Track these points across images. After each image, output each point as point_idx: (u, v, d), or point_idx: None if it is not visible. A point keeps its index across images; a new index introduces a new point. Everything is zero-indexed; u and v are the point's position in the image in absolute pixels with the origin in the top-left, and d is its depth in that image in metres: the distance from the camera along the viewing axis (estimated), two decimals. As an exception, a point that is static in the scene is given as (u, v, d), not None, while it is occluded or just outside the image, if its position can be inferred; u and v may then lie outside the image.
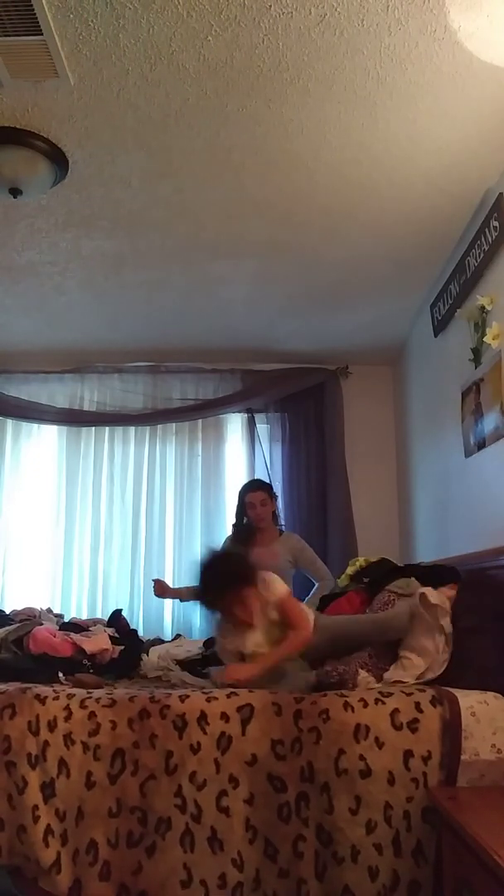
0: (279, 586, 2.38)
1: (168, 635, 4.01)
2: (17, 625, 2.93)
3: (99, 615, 3.95)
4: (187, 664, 2.85)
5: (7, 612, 3.44)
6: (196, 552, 4.30)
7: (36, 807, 1.94)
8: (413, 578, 2.57)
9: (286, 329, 4.14)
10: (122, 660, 2.86)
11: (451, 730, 1.97)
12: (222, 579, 2.35)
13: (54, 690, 2.15)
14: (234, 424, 4.61)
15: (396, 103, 2.29)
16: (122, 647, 2.94)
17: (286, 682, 2.26)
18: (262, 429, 4.54)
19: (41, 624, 2.98)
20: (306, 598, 3.37)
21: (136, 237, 3.12)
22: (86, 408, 4.54)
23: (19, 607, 3.55)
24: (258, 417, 4.54)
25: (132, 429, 4.57)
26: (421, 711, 2.00)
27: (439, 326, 3.49)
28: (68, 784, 1.97)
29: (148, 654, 3.03)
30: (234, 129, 2.41)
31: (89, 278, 3.49)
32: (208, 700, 2.05)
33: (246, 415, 4.54)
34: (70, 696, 2.10)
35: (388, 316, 3.95)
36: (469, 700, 2.04)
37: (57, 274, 3.44)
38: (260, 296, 3.71)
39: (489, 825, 1.62)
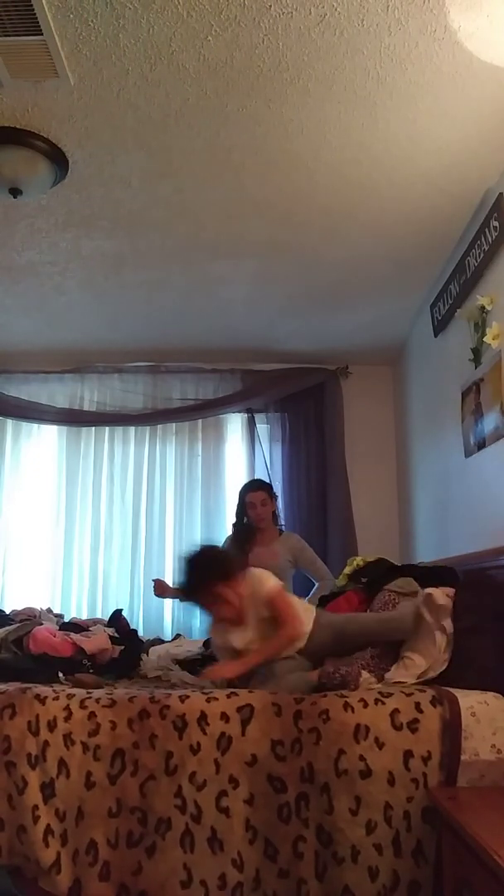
0: (269, 582, 2.37)
1: (168, 635, 4.01)
2: (17, 625, 2.93)
3: (99, 615, 3.95)
4: (187, 664, 2.85)
5: (7, 612, 3.44)
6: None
7: (36, 807, 1.94)
8: (411, 578, 2.58)
9: (286, 329, 4.14)
10: (122, 660, 2.86)
11: (451, 730, 1.97)
12: (199, 574, 2.36)
13: (54, 690, 2.15)
14: (234, 424, 4.61)
15: (396, 103, 2.29)
16: (122, 647, 2.94)
17: (275, 682, 2.25)
18: (262, 429, 4.55)
19: (41, 624, 2.98)
20: (306, 599, 3.37)
21: (136, 237, 3.12)
22: (86, 408, 4.54)
23: (19, 607, 3.55)
24: (258, 417, 4.54)
25: (132, 429, 4.57)
26: (421, 711, 2.00)
27: (439, 326, 3.48)
28: (68, 784, 1.97)
29: (148, 654, 3.03)
30: (234, 129, 2.41)
31: (89, 278, 3.49)
32: (208, 700, 2.05)
33: (246, 415, 4.55)
34: (70, 697, 2.10)
35: (388, 316, 3.95)
36: (469, 700, 2.04)
37: (57, 274, 3.44)
38: (260, 296, 3.71)
39: (489, 825, 1.61)
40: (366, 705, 2.01)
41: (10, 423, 4.56)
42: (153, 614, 4.22)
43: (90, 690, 2.22)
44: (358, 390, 4.56)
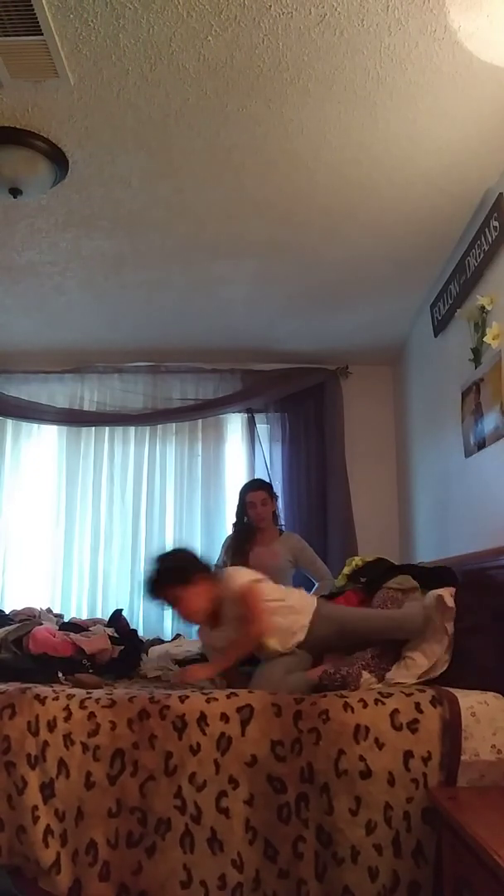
0: (238, 580, 2.36)
1: (168, 635, 4.01)
2: (17, 625, 2.93)
3: (99, 615, 3.95)
4: (187, 664, 2.84)
5: (7, 612, 3.43)
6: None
7: (35, 807, 1.94)
8: (409, 576, 2.58)
9: (286, 329, 4.13)
10: (122, 660, 2.86)
11: (451, 730, 1.97)
12: (158, 578, 2.39)
13: (54, 691, 2.15)
14: (234, 424, 4.61)
15: (396, 103, 2.29)
16: (122, 647, 2.94)
17: (275, 681, 2.26)
18: (262, 429, 4.54)
19: (41, 624, 2.97)
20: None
21: (136, 237, 3.12)
22: (86, 408, 4.54)
23: (19, 607, 3.55)
24: (258, 417, 4.54)
25: (132, 429, 4.57)
26: (421, 712, 2.00)
27: (439, 326, 3.48)
28: (68, 784, 1.97)
29: (148, 654, 3.03)
30: (234, 129, 2.41)
31: (89, 278, 3.49)
32: (208, 701, 2.05)
33: (246, 415, 4.54)
34: (70, 697, 2.10)
35: (388, 316, 3.95)
36: (469, 700, 2.04)
37: (57, 274, 3.44)
38: (260, 296, 3.71)
39: (489, 825, 1.61)
40: (366, 705, 2.01)
41: (10, 423, 4.56)
42: (153, 614, 4.22)
43: (90, 690, 2.22)
44: (358, 390, 4.56)
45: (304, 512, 4.37)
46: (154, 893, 1.88)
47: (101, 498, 4.45)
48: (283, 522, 3.97)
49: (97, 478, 4.48)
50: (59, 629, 3.02)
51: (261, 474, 4.33)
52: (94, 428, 4.56)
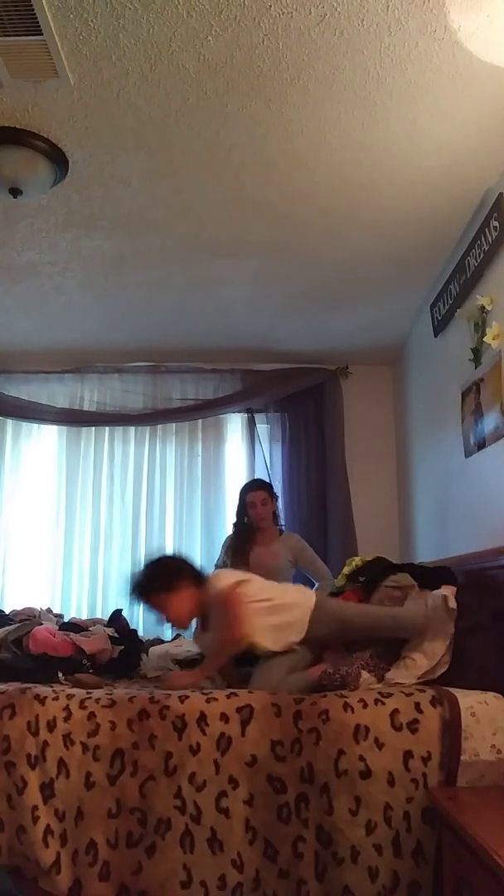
0: (219, 583, 2.34)
1: (168, 635, 4.00)
2: (17, 625, 2.93)
3: (99, 615, 3.95)
4: (187, 664, 2.85)
5: (7, 612, 3.43)
6: (195, 550, 4.34)
7: (35, 807, 1.94)
8: (407, 574, 2.58)
9: (286, 329, 4.13)
10: (122, 660, 2.86)
11: (451, 730, 1.97)
12: (141, 585, 2.41)
13: (54, 691, 2.15)
14: (234, 424, 4.61)
15: (396, 103, 2.29)
16: (122, 648, 2.94)
17: (275, 681, 2.26)
18: (262, 429, 4.54)
19: (41, 624, 2.97)
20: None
21: (136, 237, 3.12)
22: (86, 408, 4.54)
23: (19, 607, 3.54)
24: (258, 417, 4.54)
25: (132, 429, 4.57)
26: (421, 712, 2.00)
27: (439, 326, 3.48)
28: (68, 784, 1.97)
29: (147, 654, 3.03)
30: (234, 129, 2.41)
31: (89, 278, 3.49)
32: (208, 701, 2.05)
33: (246, 415, 4.54)
34: (70, 697, 2.10)
35: (388, 316, 3.95)
36: (469, 700, 2.04)
37: (57, 274, 3.44)
38: (260, 296, 3.71)
39: (489, 825, 1.61)
40: (365, 706, 2.01)
41: (10, 423, 4.56)
42: (153, 614, 4.21)
43: (90, 691, 2.22)
44: (358, 390, 4.56)
45: (304, 512, 4.37)
46: (154, 893, 1.88)
47: (101, 498, 4.45)
48: (283, 522, 3.97)
49: (97, 478, 4.48)
50: (59, 629, 3.01)
51: (261, 474, 4.33)
52: (94, 428, 4.56)
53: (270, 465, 4.47)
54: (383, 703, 2.02)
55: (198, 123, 2.38)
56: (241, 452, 4.52)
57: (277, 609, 2.37)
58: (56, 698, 2.08)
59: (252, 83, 2.20)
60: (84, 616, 3.96)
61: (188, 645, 3.17)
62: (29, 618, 3.22)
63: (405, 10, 1.93)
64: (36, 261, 3.31)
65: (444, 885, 1.82)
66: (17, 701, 2.06)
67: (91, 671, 2.65)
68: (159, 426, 4.55)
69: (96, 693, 2.17)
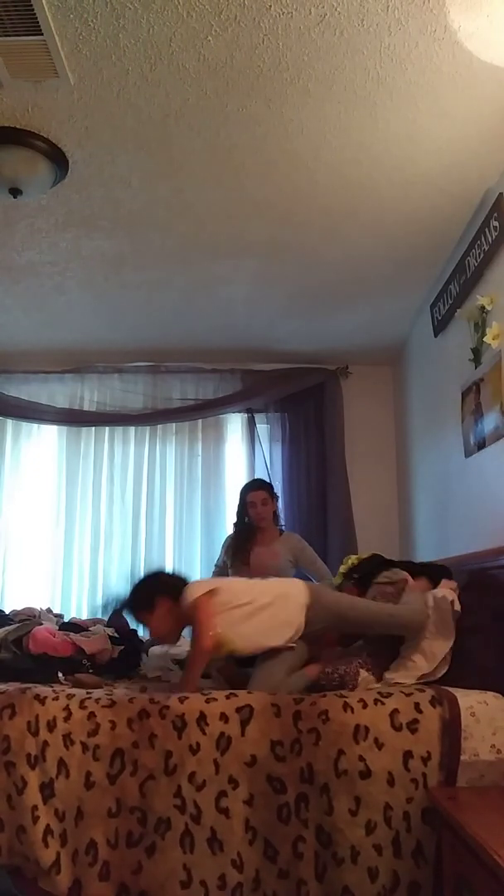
0: (189, 596, 2.32)
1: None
2: (17, 625, 2.93)
3: (99, 615, 3.94)
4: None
5: (7, 612, 3.43)
6: (195, 550, 4.37)
7: (35, 807, 1.94)
8: (398, 569, 2.58)
9: (286, 329, 4.13)
10: (122, 660, 2.86)
11: (451, 730, 1.97)
12: (127, 606, 2.50)
13: (54, 691, 2.15)
14: (234, 424, 4.61)
15: (396, 103, 2.29)
16: (122, 647, 2.94)
17: (274, 680, 2.26)
18: (262, 429, 4.54)
19: (41, 624, 2.97)
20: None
21: (136, 237, 3.12)
22: (86, 408, 4.54)
23: (19, 607, 3.54)
24: (258, 417, 4.54)
25: (132, 429, 4.57)
26: (420, 712, 2.00)
27: (439, 326, 3.48)
28: (68, 784, 1.97)
29: (147, 654, 3.03)
30: (234, 129, 2.41)
31: (89, 278, 3.49)
32: (207, 701, 2.05)
33: (246, 415, 4.54)
34: (69, 697, 2.10)
35: (388, 316, 3.95)
36: (469, 700, 2.04)
37: (57, 274, 3.44)
38: (260, 296, 3.71)
39: (489, 825, 1.61)
40: (365, 706, 2.01)
41: (10, 423, 4.56)
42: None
43: (90, 690, 2.22)
44: (358, 390, 4.56)
45: (304, 512, 4.37)
46: (154, 893, 1.89)
47: (101, 498, 4.45)
48: (283, 523, 3.97)
49: (97, 478, 4.48)
50: (59, 629, 3.01)
51: (261, 474, 4.33)
52: (94, 428, 4.56)
53: (270, 465, 4.47)
54: (383, 703, 2.02)
55: (198, 123, 2.38)
56: (241, 452, 4.52)
57: (260, 610, 2.34)
58: (56, 698, 2.08)
59: (252, 83, 2.20)
60: (84, 616, 3.95)
61: (187, 645, 3.17)
62: (29, 618, 3.21)
63: (405, 10, 1.93)
64: (36, 261, 3.31)
65: (444, 885, 1.82)
66: (17, 701, 2.06)
67: (91, 671, 2.65)
68: (159, 426, 4.55)
69: (96, 693, 2.17)
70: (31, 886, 1.91)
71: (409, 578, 2.52)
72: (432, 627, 2.31)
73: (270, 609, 2.35)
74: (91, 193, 2.78)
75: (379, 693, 2.08)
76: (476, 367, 2.89)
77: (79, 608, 4.26)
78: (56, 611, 3.89)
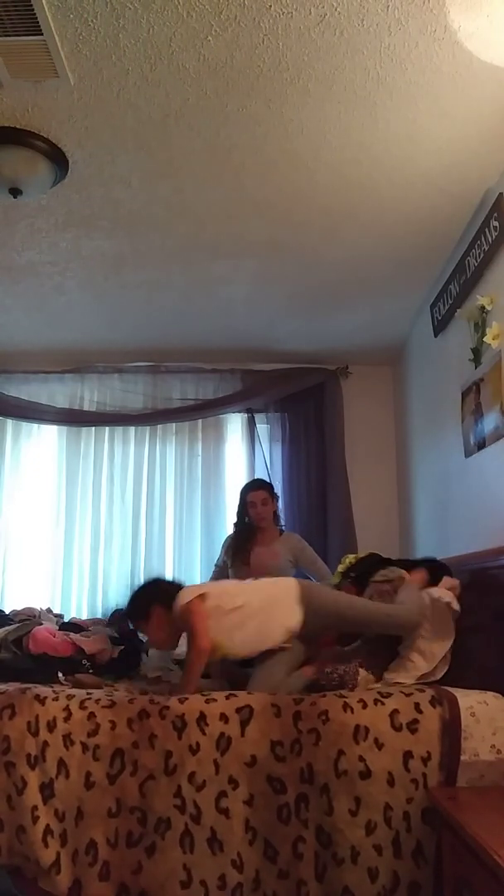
0: (183, 599, 2.33)
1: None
2: (17, 625, 2.93)
3: (99, 615, 3.95)
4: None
5: (7, 612, 3.43)
6: (195, 550, 4.37)
7: (35, 807, 1.94)
8: (394, 567, 2.58)
9: (286, 329, 4.13)
10: (122, 660, 2.86)
11: (451, 730, 1.97)
12: (127, 613, 2.59)
13: (54, 691, 2.15)
14: (234, 424, 4.60)
15: (396, 103, 2.29)
16: (122, 647, 2.94)
17: (273, 681, 2.25)
18: (262, 429, 4.54)
19: (41, 624, 2.97)
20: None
21: (136, 237, 3.11)
22: (86, 408, 4.53)
23: (19, 607, 3.54)
24: (258, 417, 4.54)
25: (132, 429, 4.57)
26: (420, 712, 2.00)
27: (439, 326, 3.48)
28: (67, 784, 1.97)
29: (148, 655, 3.03)
30: (234, 129, 2.41)
31: (89, 278, 3.49)
32: (207, 701, 2.05)
33: (246, 415, 4.54)
34: (69, 697, 2.10)
35: (388, 316, 3.95)
36: (469, 700, 2.04)
37: (57, 274, 3.44)
38: (260, 296, 3.71)
39: (489, 825, 1.61)
40: (365, 706, 2.01)
41: (10, 423, 4.56)
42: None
43: (90, 691, 2.22)
44: (358, 390, 4.56)
45: (304, 512, 4.37)
46: (154, 893, 1.89)
47: (101, 498, 4.44)
48: (283, 523, 3.97)
49: (97, 478, 4.48)
50: (59, 629, 3.01)
51: (261, 474, 4.33)
52: (94, 428, 4.55)
53: (270, 465, 4.47)
54: (383, 704, 2.02)
55: (198, 123, 2.38)
56: (241, 452, 4.52)
57: (251, 617, 2.35)
58: (56, 698, 2.08)
59: (252, 83, 2.20)
60: (84, 616, 3.96)
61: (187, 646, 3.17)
62: (29, 618, 3.21)
63: (405, 10, 1.93)
64: (36, 261, 3.31)
65: (444, 885, 1.82)
66: (17, 701, 2.06)
67: (91, 671, 2.65)
68: (159, 426, 4.55)
69: (96, 693, 2.17)
70: (31, 886, 1.91)
71: (406, 574, 2.53)
72: (430, 627, 2.31)
73: (262, 614, 2.36)
74: (91, 193, 2.78)
75: (379, 693, 2.08)
76: (476, 367, 2.89)
77: (79, 608, 4.26)
78: (56, 611, 3.89)
